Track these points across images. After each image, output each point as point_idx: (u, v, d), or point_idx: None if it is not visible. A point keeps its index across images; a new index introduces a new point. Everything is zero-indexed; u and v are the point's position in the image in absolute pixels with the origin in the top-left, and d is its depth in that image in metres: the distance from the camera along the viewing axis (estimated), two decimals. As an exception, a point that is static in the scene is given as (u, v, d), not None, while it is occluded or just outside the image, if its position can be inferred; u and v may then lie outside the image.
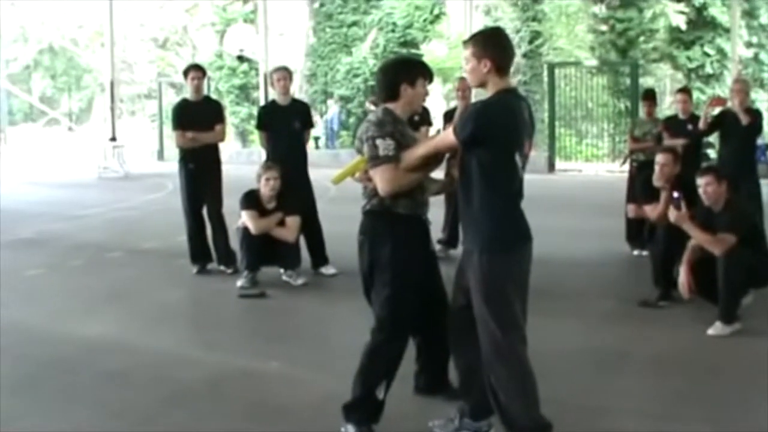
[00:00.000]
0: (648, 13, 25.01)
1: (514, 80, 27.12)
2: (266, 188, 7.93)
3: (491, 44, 4.02)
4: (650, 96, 10.47)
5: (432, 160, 4.20)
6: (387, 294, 4.26)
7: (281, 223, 7.97)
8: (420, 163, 4.16)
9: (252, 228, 7.86)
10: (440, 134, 4.09)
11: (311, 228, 8.47)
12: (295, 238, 8.03)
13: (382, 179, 4.14)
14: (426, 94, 4.44)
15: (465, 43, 4.08)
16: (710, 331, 6.23)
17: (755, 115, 9.12)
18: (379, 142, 4.15)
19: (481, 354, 4.02)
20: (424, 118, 9.27)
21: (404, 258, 4.25)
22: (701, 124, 9.24)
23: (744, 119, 8.90)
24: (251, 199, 8.01)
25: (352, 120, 27.12)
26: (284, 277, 8.09)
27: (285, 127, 8.63)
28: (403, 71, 4.40)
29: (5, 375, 5.40)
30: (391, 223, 4.27)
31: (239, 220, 8.01)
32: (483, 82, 4.00)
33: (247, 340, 6.48)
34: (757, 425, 4.55)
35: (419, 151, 4.16)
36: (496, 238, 3.91)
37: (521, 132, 3.96)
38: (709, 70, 24.58)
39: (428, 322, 4.54)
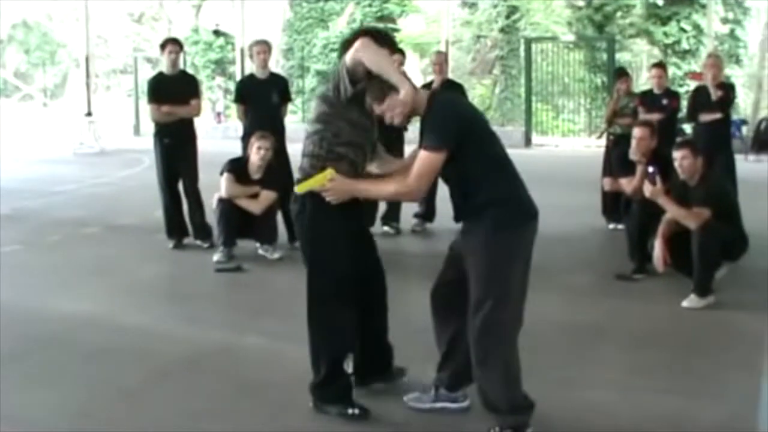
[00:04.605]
0: (625, -12, 25.06)
1: (492, 55, 27.25)
2: (256, 156, 7.89)
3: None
4: (624, 73, 10.56)
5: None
6: (324, 263, 4.31)
7: (255, 196, 7.93)
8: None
9: (223, 190, 7.84)
10: (421, 160, 3.87)
11: (288, 202, 8.44)
12: (262, 212, 7.94)
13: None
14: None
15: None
16: (684, 304, 6.30)
17: (727, 89, 9.18)
18: None
19: (464, 327, 4.03)
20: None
21: (342, 229, 4.26)
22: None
23: (714, 94, 8.96)
24: (236, 165, 8.01)
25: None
26: (260, 251, 8.09)
27: (263, 100, 8.63)
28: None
29: (-17, 352, 5.38)
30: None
31: (215, 195, 7.99)
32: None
33: (226, 315, 6.50)
34: (731, 396, 4.62)
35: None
36: (500, 218, 3.86)
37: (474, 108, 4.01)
38: (685, 45, 24.64)
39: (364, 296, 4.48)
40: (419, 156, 3.89)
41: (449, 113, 3.90)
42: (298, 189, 4.20)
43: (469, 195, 3.93)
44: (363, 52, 4.01)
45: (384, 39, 4.31)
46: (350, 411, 4.29)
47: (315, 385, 4.36)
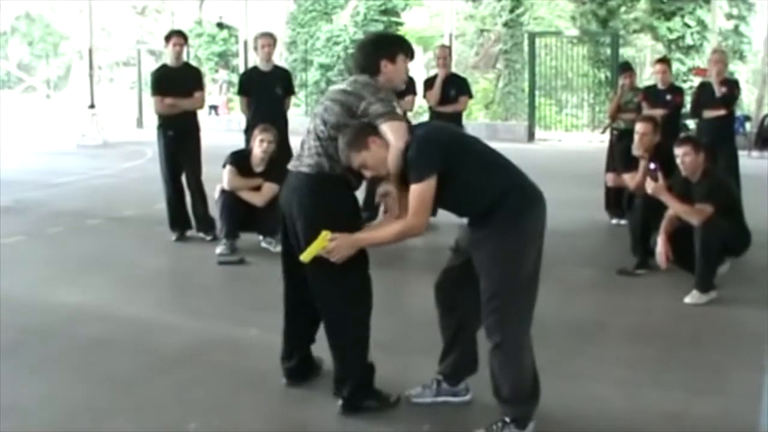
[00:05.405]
0: (629, -16, 25.03)
1: (495, 49, 27.22)
2: (259, 149, 7.87)
3: None
4: (628, 67, 10.52)
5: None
6: (353, 265, 4.13)
7: (257, 188, 7.92)
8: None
9: (226, 183, 7.83)
10: (414, 196, 3.86)
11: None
12: (265, 204, 7.86)
13: (399, 133, 3.94)
14: (407, 71, 4.36)
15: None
16: (687, 300, 6.29)
17: (731, 85, 9.16)
18: (394, 103, 4.09)
19: (468, 318, 4.11)
20: (409, 88, 9.29)
21: (349, 219, 4.18)
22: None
23: (718, 90, 8.93)
24: (238, 157, 7.98)
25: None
26: (263, 244, 8.09)
27: (266, 92, 8.64)
28: (383, 47, 4.29)
29: (-15, 343, 5.38)
30: (337, 186, 4.17)
31: (217, 186, 7.99)
32: None
33: (228, 307, 6.49)
34: (732, 392, 4.61)
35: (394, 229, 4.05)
36: (506, 212, 3.85)
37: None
38: (689, 41, 24.59)
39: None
40: (411, 192, 3.87)
41: (421, 143, 3.90)
42: (304, 258, 4.08)
43: (470, 204, 3.96)
44: (396, 142, 3.91)
45: (409, 50, 4.35)
46: (392, 399, 4.33)
47: (354, 390, 4.24)
